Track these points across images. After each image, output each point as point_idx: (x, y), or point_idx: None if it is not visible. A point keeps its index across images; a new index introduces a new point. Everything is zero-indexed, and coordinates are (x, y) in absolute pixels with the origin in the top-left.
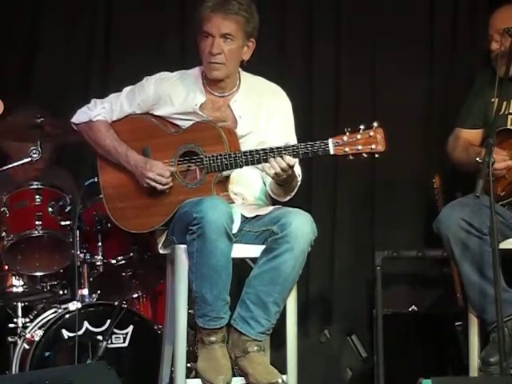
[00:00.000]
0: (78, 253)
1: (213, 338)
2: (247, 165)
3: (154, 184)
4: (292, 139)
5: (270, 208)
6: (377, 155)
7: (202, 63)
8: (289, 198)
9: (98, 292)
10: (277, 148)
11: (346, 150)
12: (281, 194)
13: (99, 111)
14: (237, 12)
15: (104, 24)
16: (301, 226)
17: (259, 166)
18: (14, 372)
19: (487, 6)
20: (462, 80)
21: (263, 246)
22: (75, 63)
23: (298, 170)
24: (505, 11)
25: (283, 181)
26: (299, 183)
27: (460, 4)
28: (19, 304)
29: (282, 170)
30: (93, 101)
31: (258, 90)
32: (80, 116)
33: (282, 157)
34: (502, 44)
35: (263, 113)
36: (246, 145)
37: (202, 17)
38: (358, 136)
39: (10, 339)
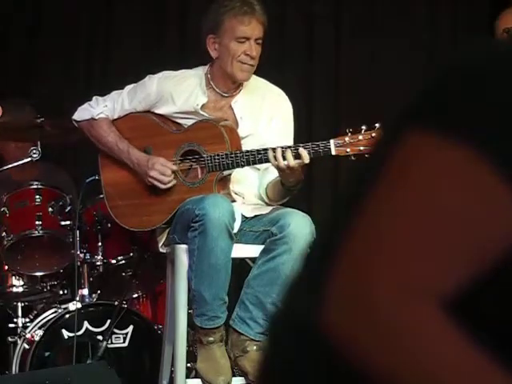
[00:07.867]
0: (78, 253)
1: (211, 338)
2: (248, 164)
3: (156, 183)
4: (289, 143)
5: (270, 208)
6: None
7: (202, 63)
8: (280, 203)
9: (98, 292)
10: (278, 148)
11: (348, 150)
12: (278, 198)
13: (101, 109)
14: (262, 14)
15: (105, 23)
16: (299, 227)
17: (259, 165)
18: (14, 372)
19: (487, 6)
20: None
21: (263, 246)
22: (75, 63)
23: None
24: (508, 15)
25: (293, 181)
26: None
27: (460, 4)
28: (19, 304)
29: (290, 167)
30: (94, 98)
31: (260, 91)
32: (81, 113)
33: (298, 152)
34: None
35: (264, 115)
36: (245, 147)
37: (230, 19)
38: (360, 137)
39: (9, 339)
